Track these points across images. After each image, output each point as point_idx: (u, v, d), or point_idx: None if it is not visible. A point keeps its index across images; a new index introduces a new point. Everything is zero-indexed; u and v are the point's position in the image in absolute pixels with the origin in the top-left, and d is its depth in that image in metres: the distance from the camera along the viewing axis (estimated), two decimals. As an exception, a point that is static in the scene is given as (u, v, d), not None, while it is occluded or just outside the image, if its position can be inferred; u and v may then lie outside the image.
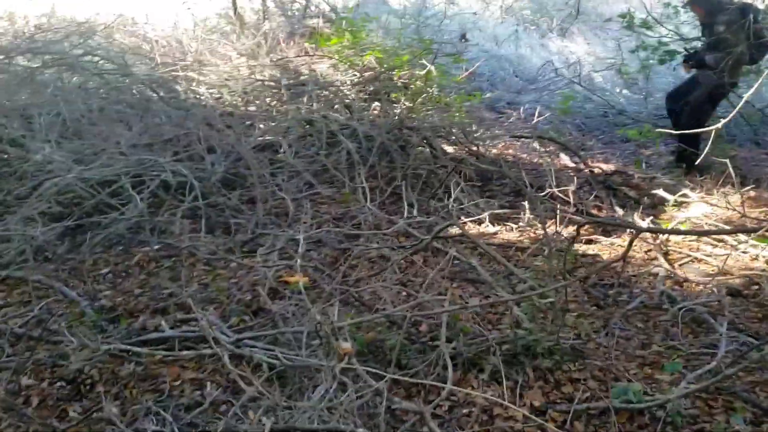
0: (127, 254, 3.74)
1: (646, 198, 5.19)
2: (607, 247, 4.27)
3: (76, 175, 4.16)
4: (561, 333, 2.82)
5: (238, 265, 3.66)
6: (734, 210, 4.82)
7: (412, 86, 6.36)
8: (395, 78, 6.30)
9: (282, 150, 5.08)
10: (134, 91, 5.98)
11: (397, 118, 5.40)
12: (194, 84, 6.50)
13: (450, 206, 4.52)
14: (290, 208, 4.29)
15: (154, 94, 5.89)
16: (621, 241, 4.32)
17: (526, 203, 4.58)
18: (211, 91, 6.41)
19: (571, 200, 4.63)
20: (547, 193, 4.96)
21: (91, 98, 5.43)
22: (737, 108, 3.51)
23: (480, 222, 4.54)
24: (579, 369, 2.72)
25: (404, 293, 3.28)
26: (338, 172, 4.84)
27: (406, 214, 4.38)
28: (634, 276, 3.83)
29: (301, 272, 3.53)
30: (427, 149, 5.24)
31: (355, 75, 6.45)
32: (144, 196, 4.11)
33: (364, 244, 3.93)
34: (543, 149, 6.18)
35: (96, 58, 6.21)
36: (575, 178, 5.23)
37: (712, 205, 4.91)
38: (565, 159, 6.13)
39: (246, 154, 4.72)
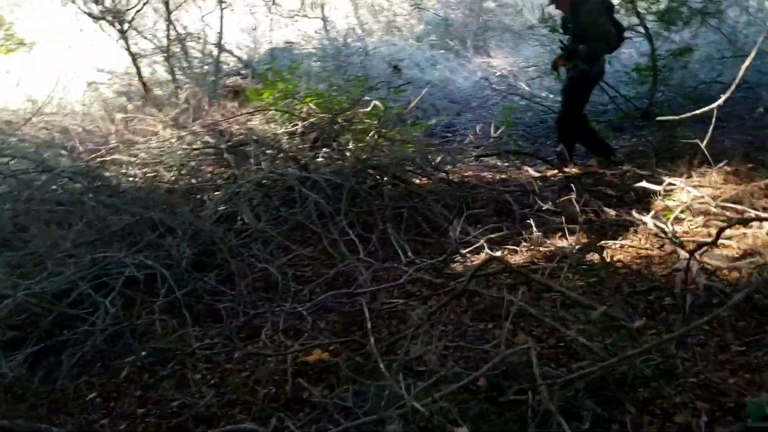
0: (111, 370, 3.20)
1: (630, 193, 5.03)
2: (620, 251, 4.02)
3: (25, 292, 3.60)
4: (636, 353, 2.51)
5: (244, 354, 3.19)
6: (719, 188, 4.72)
7: (358, 125, 6.07)
8: (339, 120, 5.98)
9: (241, 217, 4.63)
10: (58, 187, 5.40)
11: (356, 159, 5.04)
12: (124, 167, 5.97)
13: (455, 240, 4.17)
14: (278, 277, 3.84)
15: (82, 185, 5.33)
16: (631, 242, 4.09)
17: (531, 221, 4.30)
18: (144, 170, 5.88)
19: (577, 208, 4.35)
20: (536, 208, 4.73)
21: (8, 202, 4.85)
22: (731, 87, 3.40)
23: (478, 250, 4.23)
24: (678, 392, 2.40)
25: (450, 348, 2.91)
26: (314, 227, 4.43)
27: (404, 259, 4.01)
28: (663, 276, 3.58)
29: (320, 347, 3.12)
30: (401, 185, 4.89)
31: (295, 125, 6.08)
32: (113, 299, 3.58)
33: (371, 302, 3.52)
34: (505, 164, 5.98)
35: (6, 159, 5.60)
36: (572, 185, 4.98)
37: (697, 187, 4.77)
38: (529, 170, 5.93)
39: (210, 230, 4.25)
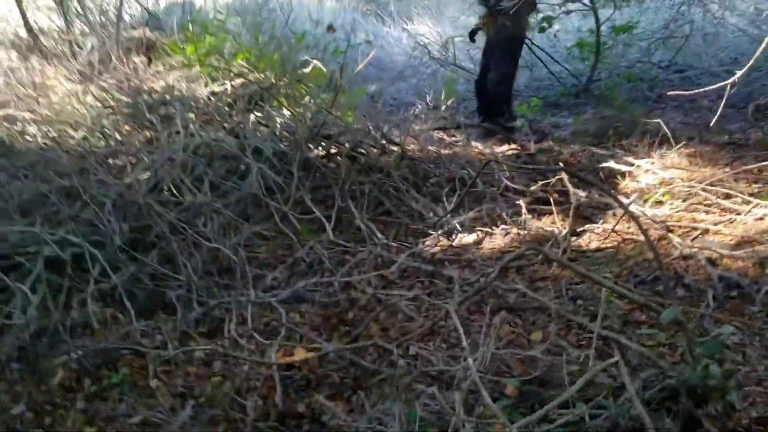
0: (39, 374, 2.57)
1: (591, 173, 4.80)
2: (603, 235, 3.75)
3: None
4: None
5: (207, 355, 2.65)
6: (687, 170, 4.57)
7: (296, 88, 5.51)
8: (276, 82, 5.39)
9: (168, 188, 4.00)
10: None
11: (305, 126, 4.50)
12: (19, 124, 5.11)
13: (443, 219, 3.76)
14: (233, 259, 3.29)
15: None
16: (613, 226, 3.83)
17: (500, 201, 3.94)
18: (47, 129, 5.06)
19: (570, 189, 4.03)
20: (502, 186, 4.40)
21: None
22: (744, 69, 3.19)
23: (451, 232, 3.85)
24: (750, 403, 2.12)
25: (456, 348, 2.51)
26: (266, 201, 3.88)
27: (376, 241, 3.56)
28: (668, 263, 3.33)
29: (301, 346, 2.64)
30: (360, 157, 4.41)
31: (223, 85, 5.42)
32: (32, 284, 2.92)
33: (365, 292, 3.06)
34: (453, 138, 5.62)
35: None
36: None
37: (665, 169, 4.59)
38: (478, 145, 5.59)
39: (143, 201, 3.61)
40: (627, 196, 4.33)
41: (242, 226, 3.79)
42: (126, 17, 8.49)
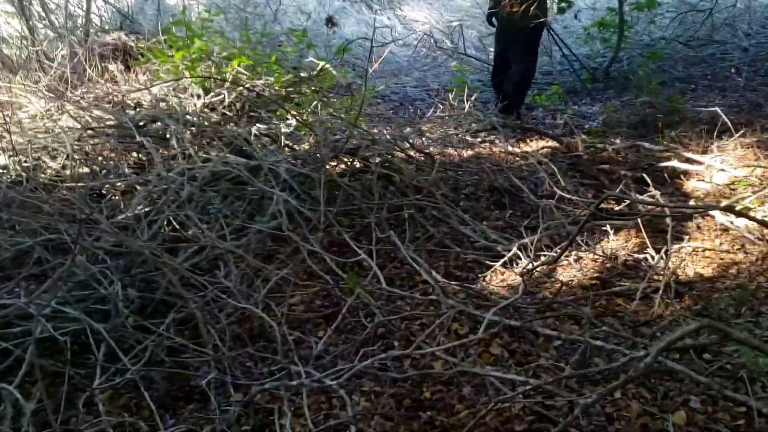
0: None
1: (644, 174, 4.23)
2: (694, 256, 3.20)
3: None
4: None
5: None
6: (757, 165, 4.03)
7: (296, 95, 4.89)
8: (278, 88, 4.75)
9: (192, 230, 3.36)
10: None
11: (326, 139, 3.87)
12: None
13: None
14: (269, 322, 2.68)
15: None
16: (702, 241, 3.28)
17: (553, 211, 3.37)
18: (17, 158, 4.37)
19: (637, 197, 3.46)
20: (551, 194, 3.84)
21: None
22: None
23: (511, 260, 3.27)
24: None
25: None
26: (294, 237, 3.26)
27: (436, 284, 2.96)
28: None
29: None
30: (395, 175, 3.79)
31: (219, 95, 4.76)
32: (20, 381, 2.30)
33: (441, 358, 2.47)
34: (477, 139, 5.02)
35: None
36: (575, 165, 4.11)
37: (735, 167, 4.05)
38: (500, 144, 5.01)
39: (150, 252, 2.98)
40: (697, 201, 3.80)
41: (265, 270, 3.17)
42: (95, 19, 7.76)
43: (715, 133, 4.44)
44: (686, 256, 3.18)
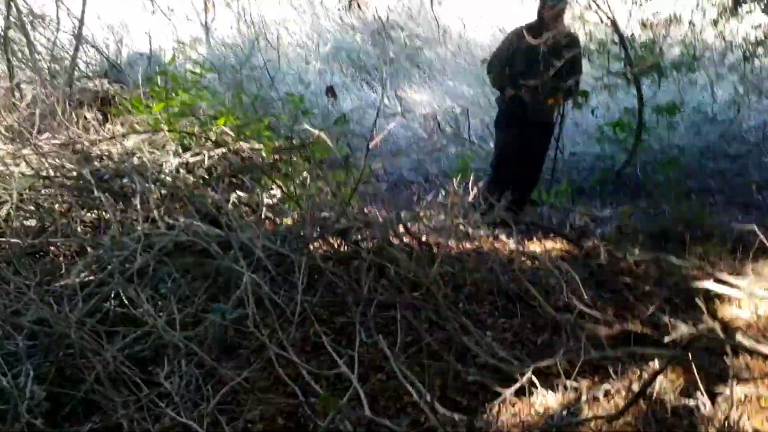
0: None
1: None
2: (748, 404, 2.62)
3: None
4: None
5: None
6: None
7: (283, 163, 4.37)
8: (266, 154, 4.23)
9: (139, 309, 2.75)
10: None
11: (314, 217, 3.32)
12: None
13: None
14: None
15: None
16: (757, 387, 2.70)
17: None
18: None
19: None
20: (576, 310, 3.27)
21: None
22: None
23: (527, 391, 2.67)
24: None
25: None
26: (259, 335, 2.65)
27: (430, 410, 2.34)
28: None
29: None
30: (388, 265, 3.22)
31: (198, 155, 4.23)
32: None
33: None
34: (479, 231, 4.47)
35: None
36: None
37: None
38: (505, 240, 4.47)
39: (78, 339, 2.36)
40: (741, 333, 3.25)
41: (220, 371, 2.54)
42: (81, 65, 7.32)
43: (751, 255, 3.94)
44: (739, 404, 2.60)
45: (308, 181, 4.03)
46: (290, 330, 2.77)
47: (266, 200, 4.02)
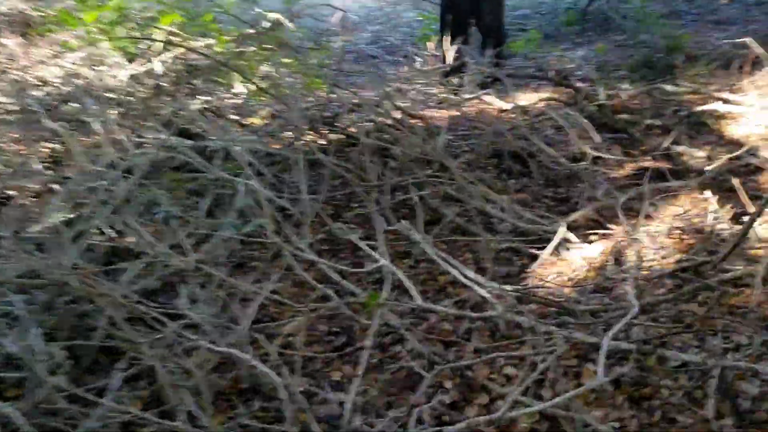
0: None
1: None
2: None
3: None
4: None
5: None
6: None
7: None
8: (221, 49, 3.85)
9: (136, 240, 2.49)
10: None
11: (301, 110, 3.02)
12: None
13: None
14: (277, 383, 1.86)
15: None
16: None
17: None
18: None
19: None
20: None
21: None
22: None
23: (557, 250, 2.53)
24: None
25: None
26: (282, 244, 2.42)
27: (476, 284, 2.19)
28: None
29: None
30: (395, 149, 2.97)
31: (149, 61, 3.81)
32: None
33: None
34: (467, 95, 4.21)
35: None
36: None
37: None
38: (490, 99, 4.22)
39: (83, 281, 2.11)
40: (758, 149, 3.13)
41: (244, 289, 2.33)
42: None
43: (749, 69, 3.79)
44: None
45: (276, 72, 3.68)
46: (304, 232, 2.54)
47: (231, 100, 3.70)
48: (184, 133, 3.24)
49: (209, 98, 3.69)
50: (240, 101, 3.82)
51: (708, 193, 2.63)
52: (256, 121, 3.75)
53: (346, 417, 1.71)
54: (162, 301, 2.31)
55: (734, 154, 2.84)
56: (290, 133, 3.02)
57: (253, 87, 3.57)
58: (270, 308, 2.30)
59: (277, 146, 2.88)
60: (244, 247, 2.61)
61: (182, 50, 3.71)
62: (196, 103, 3.61)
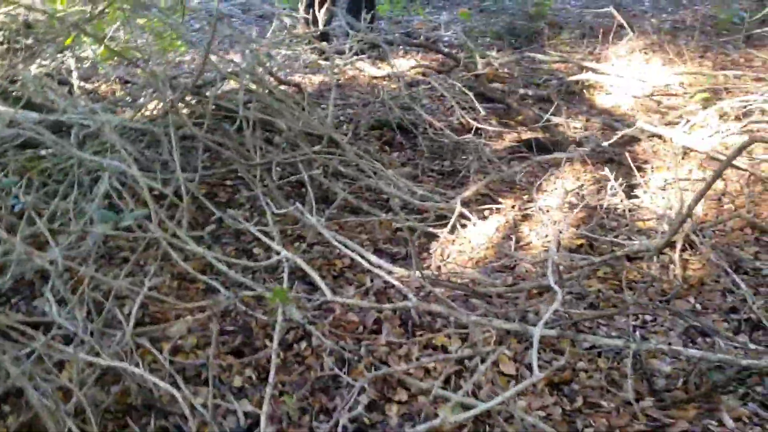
0: None
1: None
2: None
3: None
4: None
5: None
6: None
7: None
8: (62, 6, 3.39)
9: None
10: None
11: (167, 77, 2.71)
12: None
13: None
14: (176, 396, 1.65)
15: None
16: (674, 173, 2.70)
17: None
18: None
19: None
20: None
21: None
22: None
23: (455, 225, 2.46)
24: None
25: None
26: (162, 234, 2.15)
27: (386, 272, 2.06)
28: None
29: None
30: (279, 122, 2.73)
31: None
32: None
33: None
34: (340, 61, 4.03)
35: None
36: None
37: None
38: (366, 66, 4.09)
39: None
40: (625, 119, 3.24)
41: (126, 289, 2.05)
42: None
43: (610, 38, 3.91)
44: (660, 190, 2.58)
45: (130, 33, 3.29)
46: (182, 217, 2.29)
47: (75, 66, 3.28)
48: (29, 107, 2.82)
49: (46, 63, 3.26)
50: (89, 65, 3.43)
51: (604, 168, 2.65)
52: (109, 89, 3.38)
53: (262, 428, 1.54)
54: (20, 305, 1.99)
55: (629, 130, 2.86)
56: (156, 104, 2.69)
57: (103, 50, 3.18)
58: (150, 307, 2.04)
59: (141, 119, 2.55)
60: (112, 236, 2.31)
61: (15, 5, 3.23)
62: (35, 68, 3.17)
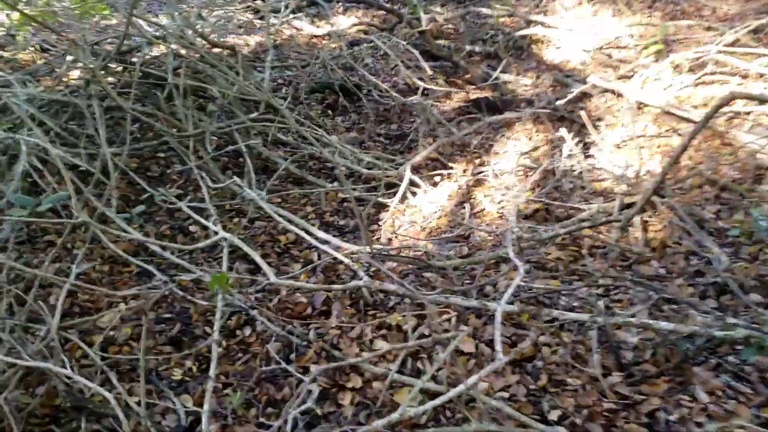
0: None
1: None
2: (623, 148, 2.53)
3: None
4: None
5: None
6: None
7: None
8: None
9: None
10: None
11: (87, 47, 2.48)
12: None
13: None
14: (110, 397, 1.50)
15: None
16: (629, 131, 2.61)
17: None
18: None
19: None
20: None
21: None
22: None
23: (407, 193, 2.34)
24: None
25: None
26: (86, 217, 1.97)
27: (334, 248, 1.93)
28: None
29: None
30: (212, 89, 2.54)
31: None
32: None
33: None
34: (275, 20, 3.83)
35: None
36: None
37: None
38: (304, 25, 3.89)
39: None
40: (576, 73, 3.14)
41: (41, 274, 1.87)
42: None
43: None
44: (615, 149, 2.49)
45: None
46: (110, 195, 2.11)
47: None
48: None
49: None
50: (4, 33, 3.17)
51: (557, 127, 2.55)
52: (25, 57, 3.13)
53: (204, 428, 1.41)
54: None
55: (582, 87, 2.75)
56: (77, 72, 2.47)
57: (20, 16, 2.91)
58: (79, 296, 1.88)
59: (61, 90, 2.34)
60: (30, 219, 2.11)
61: None
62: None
